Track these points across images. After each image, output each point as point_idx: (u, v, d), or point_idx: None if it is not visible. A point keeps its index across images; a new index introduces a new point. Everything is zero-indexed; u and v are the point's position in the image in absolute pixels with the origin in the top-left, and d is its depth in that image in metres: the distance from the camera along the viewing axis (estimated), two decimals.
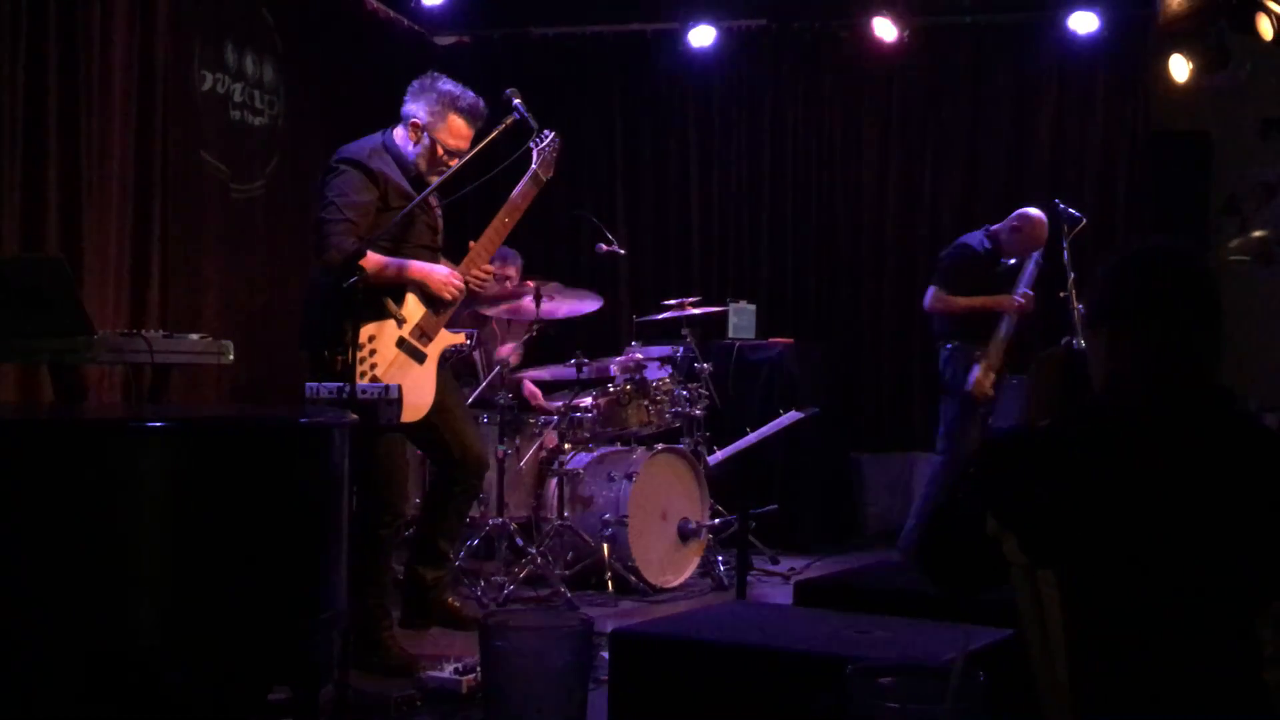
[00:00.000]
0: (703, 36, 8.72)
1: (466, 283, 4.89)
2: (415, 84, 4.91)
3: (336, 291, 4.36)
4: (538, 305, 6.20)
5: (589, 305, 6.64)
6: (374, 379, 4.57)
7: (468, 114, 4.85)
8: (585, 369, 6.49)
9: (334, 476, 3.16)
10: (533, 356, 7.06)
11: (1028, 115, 8.62)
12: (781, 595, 6.04)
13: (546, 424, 6.52)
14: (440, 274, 4.74)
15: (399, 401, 4.43)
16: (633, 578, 6.16)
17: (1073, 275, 6.69)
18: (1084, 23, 8.18)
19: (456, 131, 4.84)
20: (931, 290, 7.15)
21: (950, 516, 2.37)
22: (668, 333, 7.12)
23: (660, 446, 6.55)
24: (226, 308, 6.92)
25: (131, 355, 4.50)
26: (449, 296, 4.78)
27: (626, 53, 9.17)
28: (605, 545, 6.15)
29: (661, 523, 6.41)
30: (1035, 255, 7.09)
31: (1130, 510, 2.10)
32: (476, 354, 6.62)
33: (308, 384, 4.78)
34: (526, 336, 6.37)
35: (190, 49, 6.82)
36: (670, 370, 6.83)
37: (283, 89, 7.51)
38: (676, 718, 3.03)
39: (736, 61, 8.98)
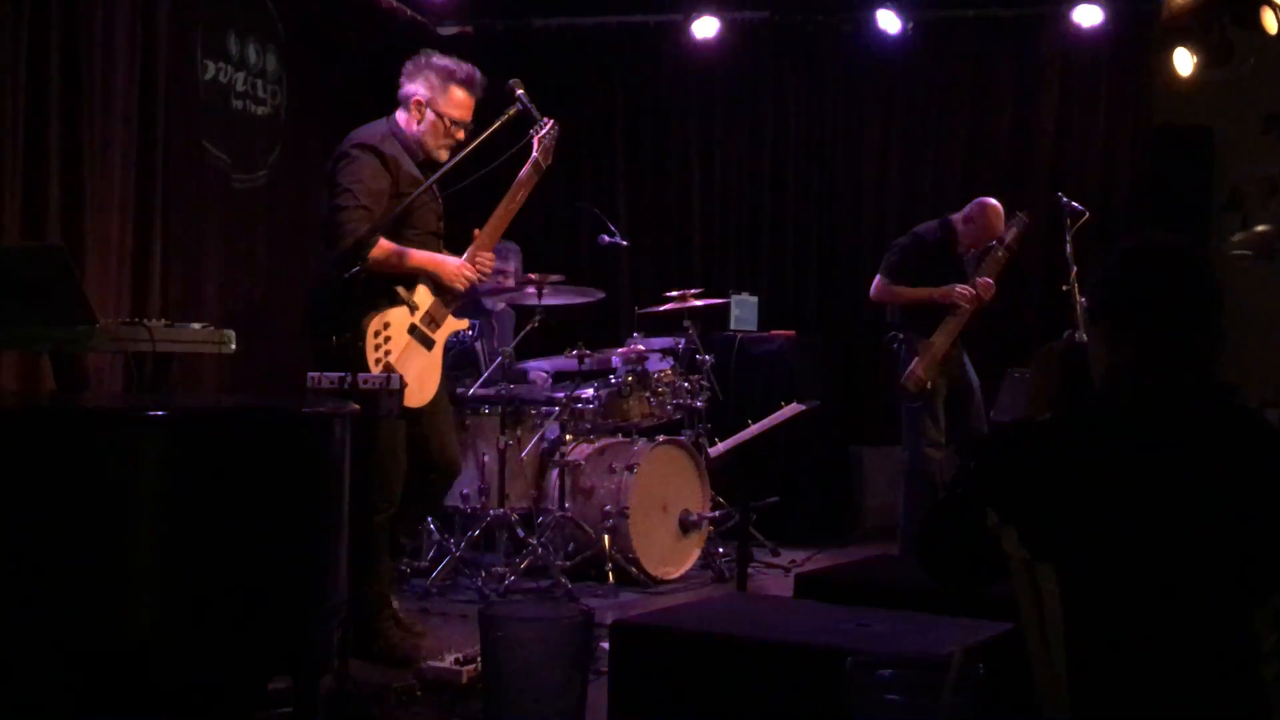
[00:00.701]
0: (705, 28, 8.71)
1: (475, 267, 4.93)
2: (409, 65, 4.94)
3: (346, 277, 4.39)
4: (539, 298, 6.21)
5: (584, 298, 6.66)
6: (388, 366, 4.60)
7: (466, 84, 4.89)
8: (587, 360, 6.49)
9: (334, 467, 3.16)
10: (534, 348, 7.06)
11: (1030, 109, 8.62)
12: (782, 587, 6.04)
13: (548, 415, 6.52)
14: (452, 264, 4.79)
15: (400, 392, 4.44)
16: (633, 569, 6.17)
17: (1075, 269, 6.68)
18: (1087, 16, 8.16)
19: (458, 102, 4.87)
20: (876, 279, 7.02)
21: (950, 510, 2.37)
22: (669, 325, 7.12)
23: (661, 438, 6.55)
24: (228, 297, 6.92)
25: (133, 344, 4.50)
26: (460, 287, 4.82)
27: (629, 44, 9.16)
28: (606, 537, 6.15)
29: (662, 514, 6.41)
30: (1000, 244, 7.01)
31: (1130, 505, 2.10)
32: (479, 345, 6.62)
33: (309, 374, 4.80)
34: (528, 329, 6.37)
35: (192, 38, 6.81)
36: (672, 362, 6.83)
37: (285, 79, 7.50)
38: (676, 709, 3.03)
39: (739, 53, 8.96)
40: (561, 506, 6.20)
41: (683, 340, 6.94)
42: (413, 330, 4.72)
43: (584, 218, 8.45)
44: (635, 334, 7.07)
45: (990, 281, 6.90)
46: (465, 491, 6.33)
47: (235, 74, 7.15)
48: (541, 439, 6.47)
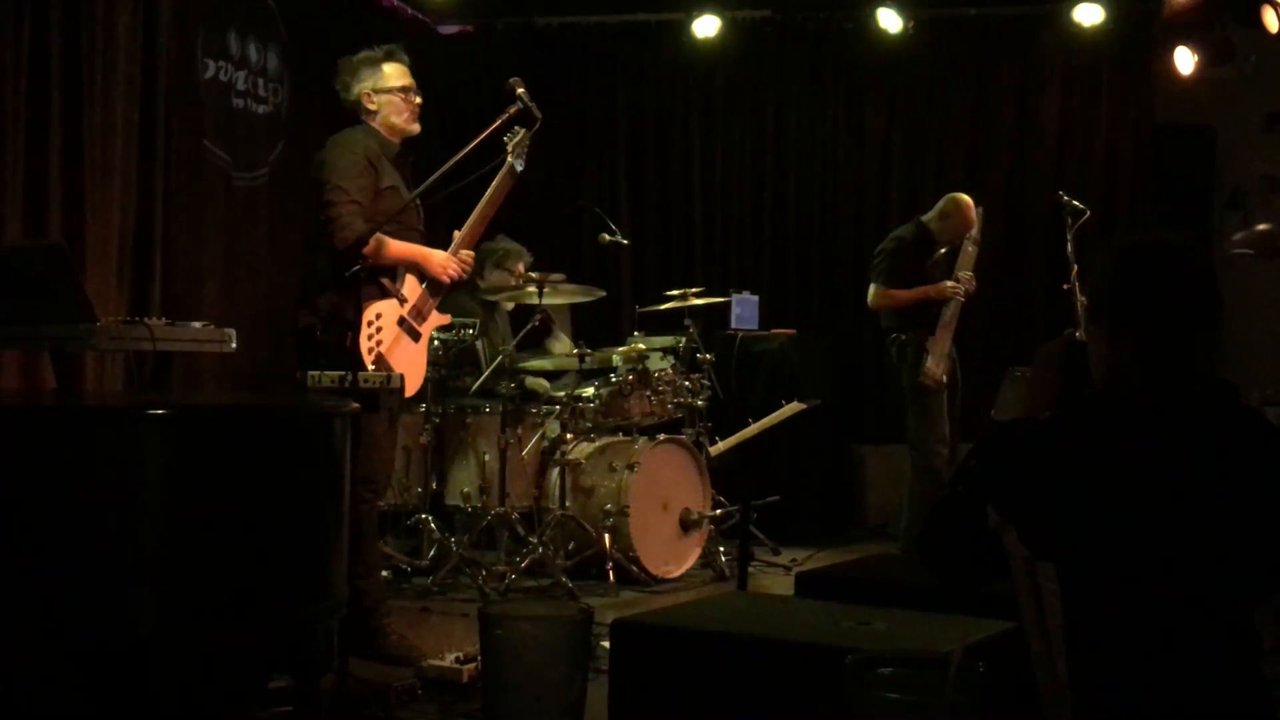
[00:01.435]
0: (706, 26, 8.71)
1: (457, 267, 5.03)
2: (340, 82, 5.08)
3: (346, 275, 4.48)
4: (540, 296, 6.21)
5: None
6: (379, 356, 4.70)
7: (394, 57, 5.05)
8: (587, 359, 6.49)
9: (335, 465, 3.16)
10: (535, 346, 7.06)
11: (1032, 108, 8.61)
12: (782, 586, 6.04)
13: (548, 413, 6.52)
14: (439, 257, 4.89)
15: (401, 390, 4.48)
16: (634, 568, 6.17)
17: (1076, 268, 6.68)
18: (1089, 15, 8.15)
19: (397, 74, 5.03)
20: (872, 288, 7.15)
21: (951, 509, 2.37)
22: (670, 323, 7.11)
23: (662, 437, 6.55)
24: (229, 296, 6.92)
25: (133, 343, 4.50)
26: (446, 279, 4.91)
27: (630, 42, 9.16)
28: (606, 535, 6.15)
29: (663, 513, 6.41)
30: (968, 238, 7.09)
31: (1130, 503, 2.10)
32: (479, 343, 6.62)
33: (310, 372, 4.82)
34: (528, 327, 6.37)
35: (193, 36, 6.80)
36: (673, 361, 6.83)
37: (286, 77, 7.50)
38: (677, 708, 3.03)
39: (740, 52, 8.96)
40: (562, 505, 6.20)
41: (684, 339, 6.94)
42: (401, 322, 4.82)
43: (585, 216, 8.45)
44: (636, 332, 7.07)
45: (971, 276, 7.05)
46: (466, 490, 6.33)
47: (236, 72, 7.14)
48: (542, 437, 6.47)
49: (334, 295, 4.74)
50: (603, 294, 6.78)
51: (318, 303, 4.77)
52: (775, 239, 9.00)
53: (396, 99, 4.96)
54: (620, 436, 6.62)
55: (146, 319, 4.65)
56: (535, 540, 6.00)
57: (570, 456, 6.29)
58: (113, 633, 2.72)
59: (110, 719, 2.78)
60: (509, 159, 5.06)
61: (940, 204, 7.17)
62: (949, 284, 6.96)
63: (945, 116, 8.74)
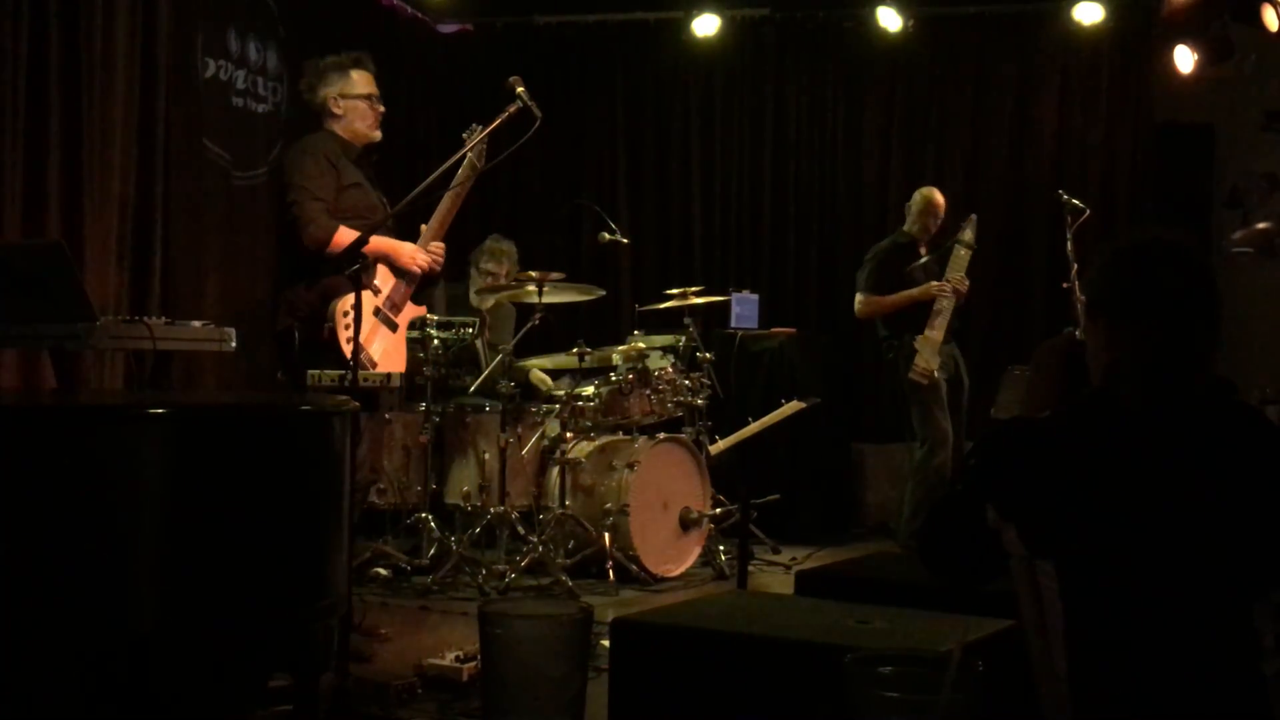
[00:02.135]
0: (706, 25, 8.72)
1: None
2: (306, 84, 5.25)
3: (320, 270, 4.56)
4: (540, 295, 6.20)
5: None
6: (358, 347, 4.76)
7: (358, 65, 5.23)
8: (587, 358, 6.49)
9: (334, 463, 3.16)
10: (536, 345, 7.05)
11: (1031, 106, 8.62)
12: (783, 585, 6.04)
13: (548, 412, 6.51)
14: (408, 248, 5.02)
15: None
16: (634, 567, 6.16)
17: (1075, 266, 6.69)
18: (1088, 13, 8.16)
19: (364, 81, 5.22)
20: (858, 297, 7.34)
21: (950, 507, 2.37)
22: (670, 322, 7.11)
23: (662, 436, 6.54)
24: (229, 295, 6.92)
25: (133, 342, 4.50)
26: (417, 269, 5.00)
27: (630, 41, 9.16)
28: (606, 534, 6.14)
29: (663, 512, 6.41)
30: (958, 241, 7.19)
31: (1129, 501, 2.10)
32: (479, 342, 6.62)
33: (309, 370, 4.85)
34: (528, 327, 6.36)
35: (193, 36, 6.80)
36: (673, 359, 6.83)
37: (286, 76, 7.49)
38: (676, 706, 3.03)
39: (740, 50, 8.97)
40: (562, 504, 6.19)
41: (683, 338, 6.94)
42: (377, 313, 4.90)
43: (584, 215, 8.45)
44: (636, 331, 7.06)
45: (964, 278, 7.17)
46: (466, 489, 6.33)
47: (236, 71, 7.14)
48: (542, 436, 6.47)
49: (309, 292, 4.83)
50: (602, 293, 6.78)
51: (294, 302, 4.87)
52: (775, 238, 9.00)
53: (362, 105, 5.10)
54: (620, 435, 6.62)
55: (146, 318, 4.65)
56: (535, 539, 5.99)
57: (570, 455, 6.29)
58: (113, 631, 2.72)
59: (110, 718, 2.78)
60: (469, 154, 5.14)
61: (910, 203, 7.47)
62: (934, 284, 7.10)
63: (945, 115, 8.74)
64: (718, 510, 6.71)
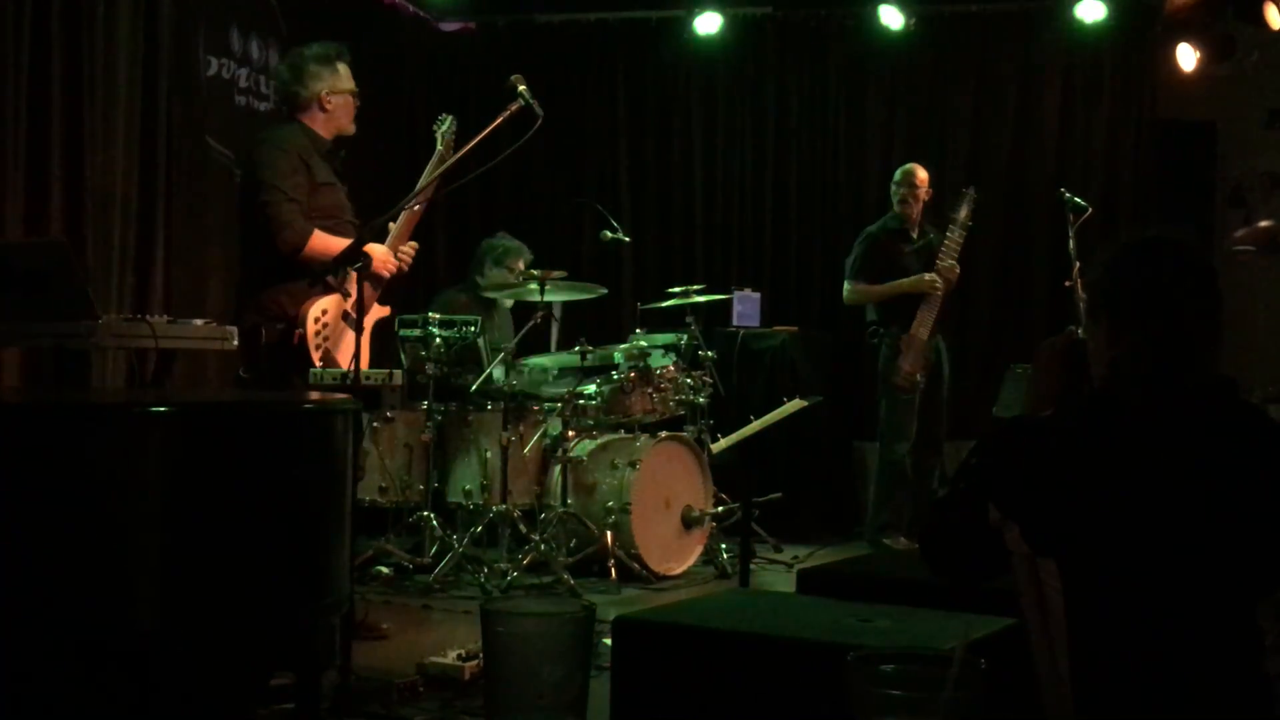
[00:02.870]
0: (708, 23, 8.72)
1: (398, 259, 5.14)
2: (289, 71, 5.23)
3: (268, 271, 4.70)
4: (542, 294, 6.21)
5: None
6: (326, 352, 4.80)
7: (342, 58, 5.15)
8: (589, 356, 6.49)
9: (337, 461, 3.16)
10: (537, 344, 7.06)
11: (1033, 103, 8.61)
12: (784, 583, 6.04)
13: (550, 411, 6.52)
14: (379, 252, 5.01)
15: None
16: (636, 565, 6.17)
17: (1077, 265, 6.68)
18: (1090, 11, 8.15)
19: (348, 75, 5.15)
20: (847, 285, 7.37)
21: (953, 506, 2.37)
22: (672, 320, 7.11)
23: (664, 434, 6.55)
24: (231, 293, 6.91)
25: (135, 340, 4.51)
26: (386, 274, 5.01)
27: (631, 39, 9.16)
28: (608, 533, 6.15)
29: (665, 510, 6.41)
30: (953, 220, 7.17)
31: (1131, 500, 2.10)
32: (480, 341, 6.62)
33: (310, 369, 4.85)
34: (529, 325, 6.36)
35: (195, 34, 6.81)
36: (674, 358, 6.83)
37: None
38: (678, 705, 3.03)
39: (741, 48, 8.97)
40: (564, 502, 6.20)
41: (685, 336, 6.94)
42: (345, 316, 4.89)
43: (586, 213, 8.45)
44: (638, 329, 7.07)
45: (954, 265, 7.16)
46: (468, 487, 6.33)
47: (238, 70, 7.15)
48: (544, 435, 6.47)
49: (279, 293, 4.82)
50: (604, 291, 6.78)
51: (262, 300, 4.84)
52: (776, 236, 9.00)
53: (350, 101, 5.08)
54: (622, 434, 6.62)
55: (148, 316, 4.66)
56: (537, 538, 6.00)
57: (572, 454, 6.29)
58: (114, 629, 2.72)
59: (111, 715, 2.78)
60: (438, 148, 5.15)
61: (892, 183, 7.46)
62: (926, 277, 7.07)
63: (946, 113, 8.74)
64: (719, 509, 6.71)
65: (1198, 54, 7.77)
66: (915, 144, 8.74)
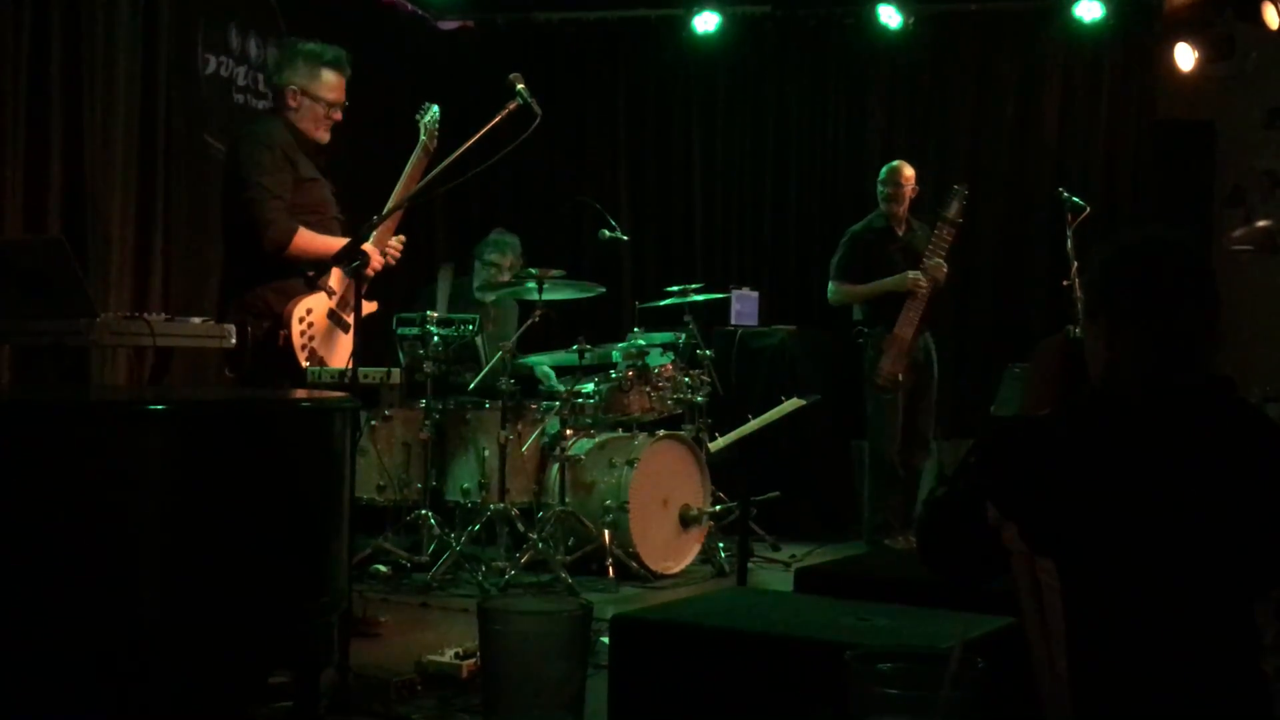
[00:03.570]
0: (707, 22, 8.72)
1: (385, 255, 5.12)
2: (276, 56, 5.16)
3: (254, 269, 4.74)
4: (540, 292, 6.20)
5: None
6: (312, 351, 4.80)
7: (335, 66, 5.09)
8: (587, 355, 6.49)
9: (335, 460, 3.16)
10: (536, 342, 7.06)
11: (1032, 103, 8.61)
12: (782, 582, 6.04)
13: (548, 409, 6.52)
14: (371, 251, 4.94)
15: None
16: (634, 564, 6.17)
17: (1076, 264, 6.68)
18: (1089, 11, 8.15)
19: (330, 85, 5.07)
20: (831, 285, 7.38)
21: (951, 505, 2.37)
22: (670, 319, 7.11)
23: (662, 433, 6.55)
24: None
25: (134, 338, 4.50)
26: (370, 273, 5.02)
27: (630, 38, 9.16)
28: (606, 531, 6.15)
29: (663, 509, 6.41)
30: (942, 217, 7.14)
31: (1129, 499, 2.10)
32: (479, 339, 6.62)
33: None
34: (528, 323, 6.36)
35: (194, 32, 6.81)
36: (672, 356, 6.83)
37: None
38: (676, 703, 3.03)
39: (741, 47, 8.96)
40: (562, 501, 6.20)
41: (684, 335, 6.94)
42: (331, 314, 4.89)
43: (585, 212, 8.44)
44: (636, 328, 7.07)
45: (941, 263, 7.12)
46: (466, 486, 6.33)
47: (236, 68, 7.15)
48: (542, 433, 6.47)
49: (266, 291, 4.82)
50: (603, 290, 6.78)
51: (247, 299, 4.84)
52: (775, 235, 9.00)
53: (319, 110, 5.04)
54: (620, 432, 6.62)
55: (147, 314, 4.65)
56: (535, 536, 6.00)
57: (570, 452, 6.29)
58: (114, 626, 2.72)
59: (111, 712, 2.78)
60: (421, 138, 5.15)
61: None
62: (910, 275, 7.05)
63: (946, 112, 8.74)
64: (717, 507, 6.71)
65: (1197, 54, 7.77)
66: (914, 143, 8.74)
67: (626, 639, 3.14)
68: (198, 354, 6.12)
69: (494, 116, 4.77)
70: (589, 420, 6.51)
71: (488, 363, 6.44)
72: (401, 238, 5.19)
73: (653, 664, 3.09)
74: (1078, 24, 8.25)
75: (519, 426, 6.35)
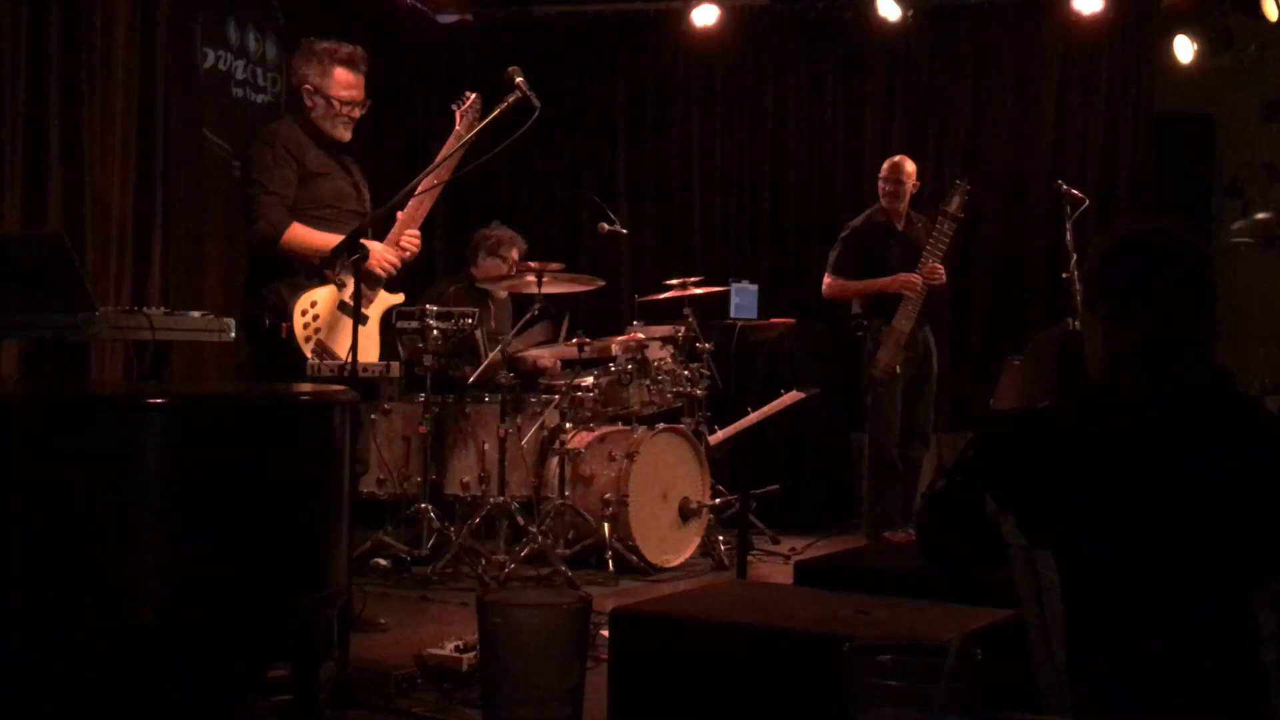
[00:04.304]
0: (705, 16, 8.70)
1: (402, 248, 5.15)
2: (298, 53, 5.17)
3: (270, 263, 4.81)
4: (540, 286, 6.21)
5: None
6: (319, 343, 4.84)
7: (349, 63, 5.10)
8: (587, 348, 6.49)
9: (334, 453, 3.17)
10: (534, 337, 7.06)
11: (1031, 96, 8.61)
12: (782, 575, 6.05)
13: (547, 403, 6.52)
14: (375, 249, 4.99)
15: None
16: (633, 557, 6.17)
17: (1075, 257, 6.68)
18: (1088, 3, 8.14)
19: (344, 83, 5.08)
20: (826, 278, 7.37)
21: (949, 498, 2.37)
22: (669, 312, 7.11)
23: (661, 426, 6.55)
24: (228, 285, 6.92)
25: (133, 332, 4.50)
26: (380, 272, 5.05)
27: (629, 31, 9.16)
28: (606, 524, 6.15)
29: (662, 502, 6.41)
30: (943, 214, 7.12)
31: (1127, 491, 2.11)
32: (478, 333, 6.62)
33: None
34: (528, 317, 6.36)
35: (192, 26, 6.80)
36: (672, 350, 6.83)
37: (285, 67, 7.48)
38: (676, 696, 3.03)
39: (739, 41, 8.96)
40: (561, 494, 6.20)
41: (683, 328, 6.94)
42: (343, 307, 4.89)
43: (584, 205, 8.44)
44: (635, 322, 7.07)
45: (938, 266, 7.10)
46: (465, 479, 6.34)
47: (235, 62, 7.14)
48: (541, 427, 6.47)
49: (280, 285, 4.86)
50: (602, 283, 6.78)
51: (261, 293, 4.89)
52: (774, 228, 9.00)
53: (332, 106, 5.05)
54: (619, 426, 6.62)
55: (146, 308, 4.65)
56: (534, 529, 6.00)
57: (569, 446, 6.29)
58: (114, 621, 2.73)
59: (111, 706, 2.79)
60: (456, 127, 5.14)
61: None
62: (903, 277, 7.05)
63: (944, 105, 8.74)
64: (717, 500, 6.71)
65: (1195, 46, 7.76)
66: (912, 136, 8.74)
67: (626, 632, 3.15)
68: (197, 348, 6.13)
69: (493, 110, 4.78)
70: (588, 413, 6.52)
71: (487, 356, 6.44)
72: (417, 233, 5.21)
73: (652, 657, 3.09)
74: (1076, 16, 8.24)
75: (518, 420, 6.35)
